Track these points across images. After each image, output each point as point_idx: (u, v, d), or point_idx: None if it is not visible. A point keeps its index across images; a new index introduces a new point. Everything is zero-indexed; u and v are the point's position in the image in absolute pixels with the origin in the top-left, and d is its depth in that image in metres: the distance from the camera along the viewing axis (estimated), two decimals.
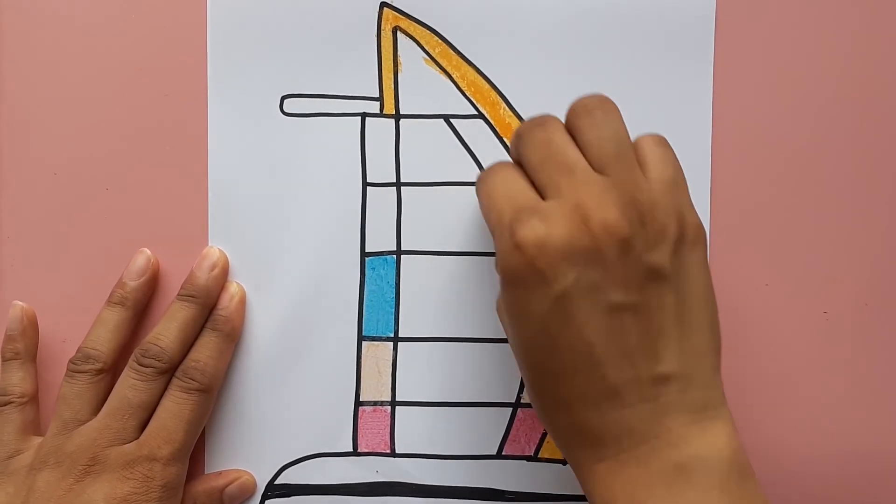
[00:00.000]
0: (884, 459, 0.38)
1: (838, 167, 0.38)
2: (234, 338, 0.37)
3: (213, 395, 0.36)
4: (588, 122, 0.30)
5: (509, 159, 0.32)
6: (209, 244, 0.38)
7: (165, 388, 0.36)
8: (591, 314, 0.28)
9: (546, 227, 0.28)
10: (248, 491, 0.38)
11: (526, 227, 0.28)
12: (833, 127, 0.38)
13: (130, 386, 0.35)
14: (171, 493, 0.35)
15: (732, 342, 0.38)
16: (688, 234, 0.30)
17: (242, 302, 0.37)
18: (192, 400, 0.35)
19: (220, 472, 0.38)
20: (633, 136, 0.31)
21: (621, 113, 0.31)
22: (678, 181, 0.30)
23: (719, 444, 0.29)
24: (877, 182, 0.38)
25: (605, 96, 0.31)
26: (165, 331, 0.36)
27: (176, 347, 0.35)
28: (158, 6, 0.38)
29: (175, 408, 0.35)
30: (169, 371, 0.35)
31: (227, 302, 0.37)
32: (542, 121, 0.31)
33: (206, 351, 0.36)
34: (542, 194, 0.30)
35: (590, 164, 0.30)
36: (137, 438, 0.35)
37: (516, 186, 0.30)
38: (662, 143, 0.31)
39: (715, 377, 0.30)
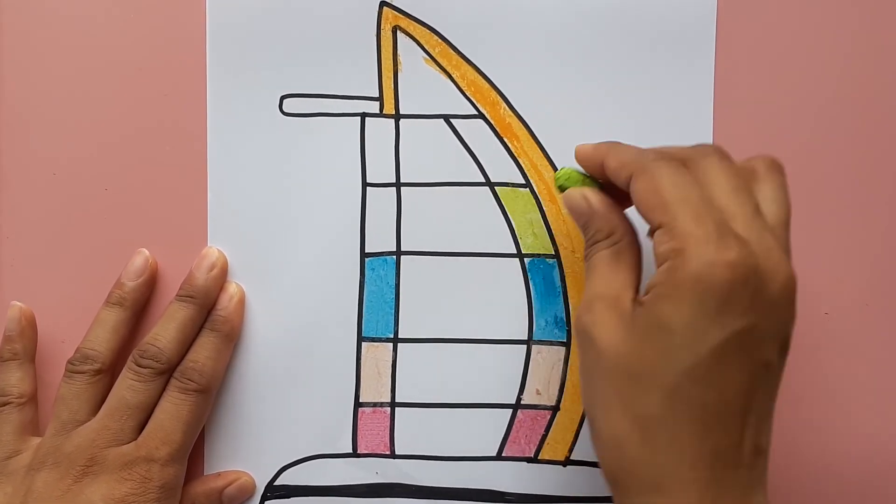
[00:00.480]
0: (885, 459, 0.38)
1: (839, 167, 0.38)
2: (232, 338, 0.37)
3: (211, 396, 0.36)
4: (778, 180, 0.30)
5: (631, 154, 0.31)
6: (208, 244, 0.38)
7: (164, 389, 0.35)
8: (754, 363, 0.27)
9: (753, 258, 0.27)
10: (248, 492, 0.37)
11: (737, 249, 0.27)
12: (834, 126, 0.38)
13: (128, 387, 0.35)
14: (170, 494, 0.35)
15: None
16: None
17: (241, 302, 0.37)
18: (191, 400, 0.35)
19: (219, 474, 0.37)
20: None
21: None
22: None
23: None
24: (878, 182, 0.38)
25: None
26: (163, 331, 0.35)
27: (174, 348, 0.35)
28: (158, 6, 0.38)
29: (173, 408, 0.35)
30: (167, 372, 0.35)
31: (225, 302, 0.37)
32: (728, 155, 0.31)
33: (204, 351, 0.36)
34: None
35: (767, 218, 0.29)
36: (136, 439, 0.35)
37: (701, 193, 0.28)
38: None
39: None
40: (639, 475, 0.28)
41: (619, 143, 0.32)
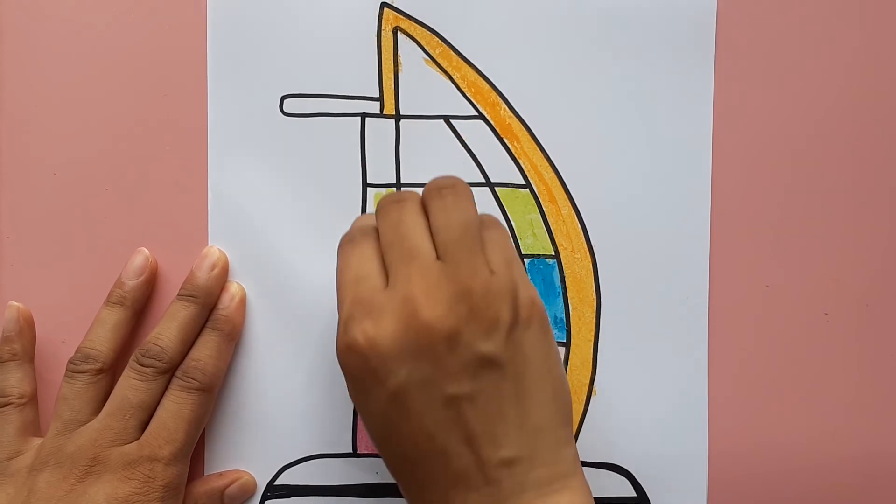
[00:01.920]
0: (885, 461, 0.38)
1: (839, 167, 0.38)
2: (234, 337, 0.37)
3: (213, 395, 0.36)
4: (439, 205, 0.31)
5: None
6: (209, 244, 0.38)
7: (166, 389, 0.35)
8: (428, 407, 0.29)
9: (376, 327, 0.29)
10: (249, 491, 0.37)
11: (357, 329, 0.29)
12: (834, 127, 0.38)
13: (131, 386, 0.35)
14: (173, 494, 0.35)
15: (733, 343, 0.38)
16: (521, 315, 0.30)
17: (243, 302, 0.37)
18: (193, 399, 0.35)
19: (220, 473, 0.37)
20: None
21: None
22: (510, 259, 0.31)
23: None
24: (878, 182, 0.38)
25: (459, 179, 0.32)
26: (166, 331, 0.35)
27: (176, 347, 0.35)
28: (158, 6, 0.38)
29: (175, 408, 0.35)
30: (169, 371, 0.35)
31: (227, 302, 0.37)
32: (400, 197, 0.32)
33: (206, 350, 0.36)
34: (387, 274, 0.31)
35: (436, 247, 0.30)
36: (138, 439, 0.35)
37: (366, 269, 0.31)
38: (491, 223, 0.32)
39: (561, 450, 0.30)
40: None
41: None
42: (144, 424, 0.35)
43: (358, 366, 0.30)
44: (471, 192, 0.32)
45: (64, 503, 0.33)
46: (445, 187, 0.31)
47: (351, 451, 0.38)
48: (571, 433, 0.31)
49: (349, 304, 0.30)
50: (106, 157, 0.38)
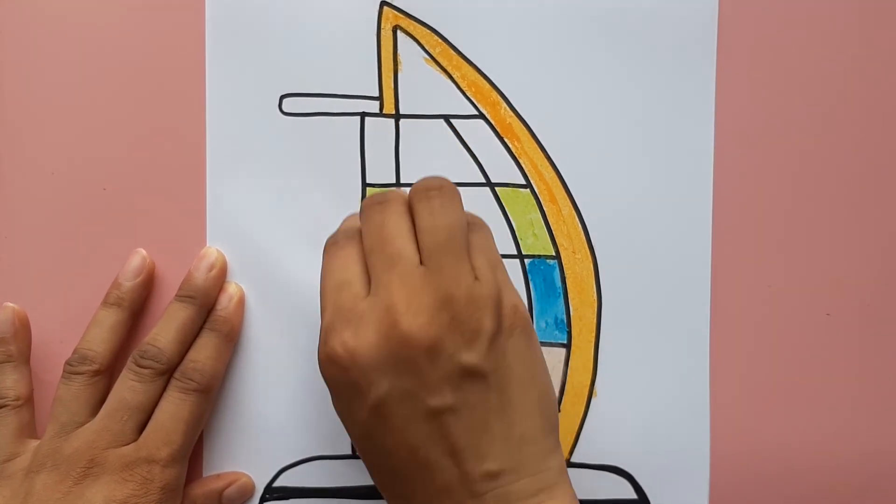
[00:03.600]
0: (888, 460, 0.38)
1: (841, 168, 0.38)
2: (232, 338, 0.37)
3: (211, 396, 0.36)
4: (425, 207, 0.30)
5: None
6: (207, 244, 0.38)
7: (164, 390, 0.35)
8: (410, 420, 0.29)
9: (356, 338, 0.29)
10: (248, 493, 0.37)
11: (336, 341, 0.29)
12: (836, 127, 0.38)
13: (129, 388, 0.35)
14: (171, 496, 0.34)
15: (734, 343, 0.37)
16: (504, 324, 0.30)
17: (241, 302, 0.37)
18: (191, 400, 0.35)
19: (218, 475, 0.37)
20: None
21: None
22: (495, 264, 0.30)
23: None
24: (880, 183, 0.38)
25: (446, 180, 0.31)
26: (163, 332, 0.35)
27: (174, 348, 0.35)
28: (157, 6, 0.38)
29: (173, 409, 0.35)
30: (167, 372, 0.35)
31: (225, 302, 0.36)
32: (384, 198, 0.31)
33: (204, 351, 0.36)
34: (370, 280, 0.30)
35: (420, 250, 0.30)
36: (136, 440, 0.34)
37: (348, 274, 0.30)
38: (477, 225, 0.32)
39: (546, 459, 0.30)
40: None
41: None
42: (142, 426, 0.35)
43: (339, 377, 0.29)
44: (459, 194, 0.31)
45: None
46: (433, 188, 0.31)
47: (349, 452, 0.38)
48: (557, 440, 0.31)
49: (330, 313, 0.30)
50: (104, 157, 0.38)
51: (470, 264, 0.30)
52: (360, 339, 0.29)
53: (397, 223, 0.30)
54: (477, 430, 0.29)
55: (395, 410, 0.29)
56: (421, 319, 0.28)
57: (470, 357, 0.29)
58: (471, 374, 0.29)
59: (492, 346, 0.29)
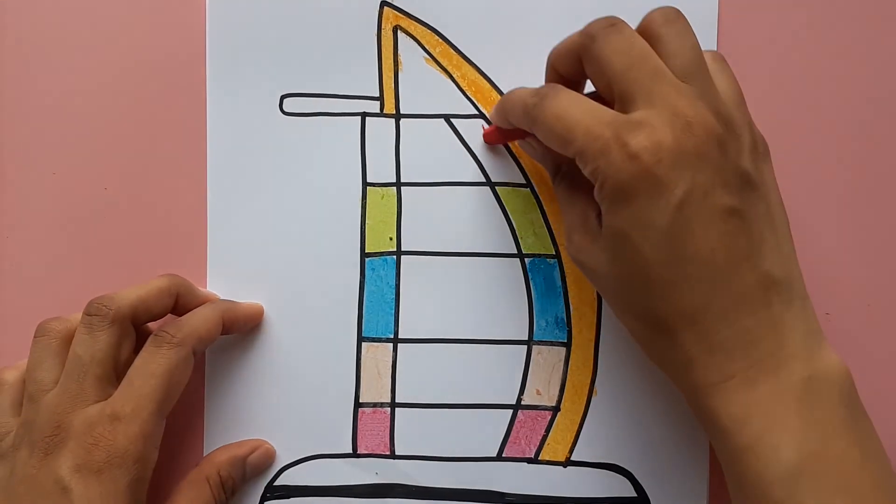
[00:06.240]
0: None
1: (841, 167, 0.38)
2: (229, 316, 0.36)
3: (187, 354, 0.33)
4: (673, 30, 0.30)
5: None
6: (208, 242, 0.38)
7: (120, 341, 0.33)
8: (711, 219, 0.28)
9: (652, 137, 0.28)
10: (271, 458, 0.37)
11: (638, 137, 0.28)
12: (836, 127, 0.38)
13: (79, 342, 0.33)
14: (140, 457, 0.32)
15: None
16: (759, 146, 0.31)
17: (253, 306, 0.37)
18: (162, 354, 0.33)
19: (240, 442, 0.37)
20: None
21: None
22: (742, 98, 0.31)
23: (835, 362, 0.29)
24: (880, 183, 0.38)
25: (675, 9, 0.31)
26: (124, 290, 0.34)
27: (129, 301, 0.33)
28: (158, 6, 0.38)
29: (142, 364, 0.33)
30: (117, 321, 0.33)
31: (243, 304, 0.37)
32: (614, 22, 0.30)
33: (189, 314, 0.34)
34: (623, 105, 0.29)
35: (673, 70, 0.30)
36: (105, 400, 0.33)
37: (591, 105, 0.30)
38: (723, 60, 0.32)
39: (804, 287, 0.30)
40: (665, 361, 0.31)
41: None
42: (106, 382, 0.33)
43: (643, 176, 0.28)
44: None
45: (34, 483, 0.31)
46: (674, 15, 0.31)
47: (350, 451, 0.38)
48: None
49: (610, 126, 0.29)
50: (105, 156, 0.38)
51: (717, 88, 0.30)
52: (661, 136, 0.28)
53: (643, 42, 0.30)
54: (756, 238, 0.29)
55: (697, 208, 0.28)
56: (711, 118, 0.29)
57: (745, 163, 0.29)
58: (748, 182, 0.29)
59: (754, 161, 0.30)
